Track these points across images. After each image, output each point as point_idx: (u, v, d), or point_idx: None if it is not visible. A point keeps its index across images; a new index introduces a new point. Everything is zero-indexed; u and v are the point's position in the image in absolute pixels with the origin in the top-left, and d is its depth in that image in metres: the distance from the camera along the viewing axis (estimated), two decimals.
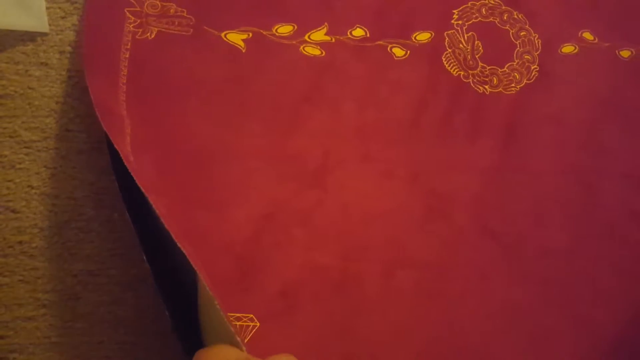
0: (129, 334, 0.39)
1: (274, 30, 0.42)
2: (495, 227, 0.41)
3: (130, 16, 0.41)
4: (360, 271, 0.39)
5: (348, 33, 0.43)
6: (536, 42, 0.46)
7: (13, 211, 0.39)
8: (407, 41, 0.44)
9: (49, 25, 0.41)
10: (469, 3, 0.45)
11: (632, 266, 0.42)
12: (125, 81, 0.40)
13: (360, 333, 0.38)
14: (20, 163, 0.39)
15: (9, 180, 0.39)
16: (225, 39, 0.42)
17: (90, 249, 0.39)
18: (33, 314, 0.38)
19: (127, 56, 0.40)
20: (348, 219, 0.40)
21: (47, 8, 0.41)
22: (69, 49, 0.41)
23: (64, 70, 0.41)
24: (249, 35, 0.42)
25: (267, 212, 0.39)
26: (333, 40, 0.43)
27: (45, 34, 0.41)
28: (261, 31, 0.42)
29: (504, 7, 0.46)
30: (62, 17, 0.42)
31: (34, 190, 0.39)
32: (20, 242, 0.38)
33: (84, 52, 0.39)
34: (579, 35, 0.47)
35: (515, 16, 0.46)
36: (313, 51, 0.42)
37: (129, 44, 0.41)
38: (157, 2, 0.42)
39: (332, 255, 0.39)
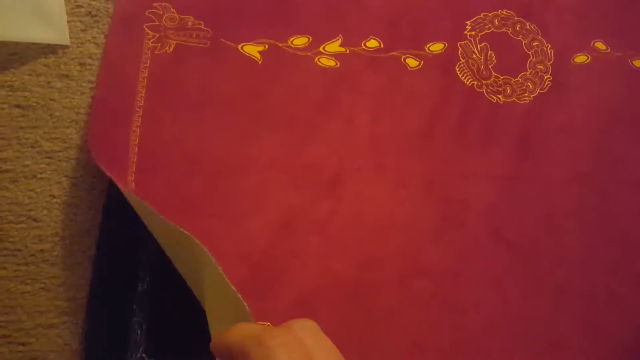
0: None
1: (289, 42, 0.44)
2: (509, 236, 0.42)
3: (149, 32, 0.43)
4: (376, 280, 0.40)
5: (362, 44, 0.44)
6: (549, 52, 0.47)
7: (34, 220, 0.40)
8: (421, 52, 0.45)
9: (70, 38, 0.43)
10: (482, 14, 0.46)
11: None
12: (142, 103, 0.41)
13: (376, 341, 0.39)
14: (41, 173, 0.41)
15: (31, 190, 0.41)
16: (242, 50, 0.43)
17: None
18: (54, 322, 0.39)
19: (146, 75, 0.42)
20: (363, 228, 0.41)
21: (68, 21, 0.43)
22: (89, 61, 0.43)
23: (84, 81, 0.43)
24: (265, 47, 0.43)
25: (282, 221, 0.41)
26: (347, 51, 0.44)
27: (66, 47, 0.43)
28: (277, 43, 0.43)
29: (516, 18, 0.47)
30: (83, 30, 0.43)
31: (55, 200, 0.41)
32: (41, 251, 0.40)
33: (96, 93, 0.41)
34: (592, 45, 0.48)
35: (528, 27, 0.47)
36: (328, 62, 0.44)
37: (148, 61, 0.42)
38: (175, 15, 0.43)
39: (347, 263, 0.40)
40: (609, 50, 0.48)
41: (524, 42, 0.46)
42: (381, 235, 0.41)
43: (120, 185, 0.36)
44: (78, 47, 0.43)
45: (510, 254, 0.41)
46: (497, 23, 0.46)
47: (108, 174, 0.36)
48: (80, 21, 0.44)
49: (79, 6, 0.44)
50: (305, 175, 0.41)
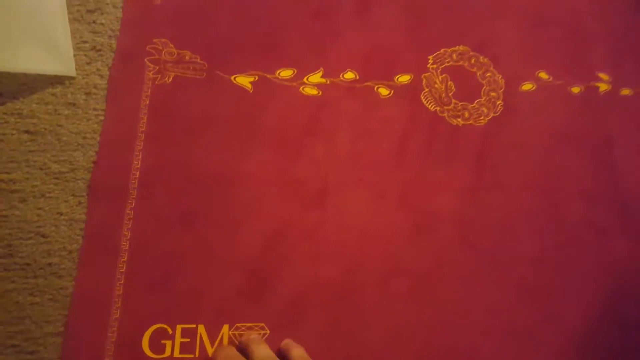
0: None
1: (277, 74, 0.50)
2: (473, 239, 0.48)
3: (149, 64, 0.48)
4: (359, 281, 0.45)
5: (340, 76, 0.51)
6: (500, 81, 0.54)
7: (43, 236, 0.44)
8: (391, 82, 0.52)
9: (76, 70, 0.48)
10: (442, 49, 0.54)
11: (591, 269, 0.49)
12: (144, 128, 0.46)
13: (361, 337, 0.44)
14: (49, 192, 0.45)
15: (39, 208, 0.44)
16: (234, 81, 0.49)
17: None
18: (62, 330, 0.42)
19: (147, 103, 0.47)
20: (347, 235, 0.46)
21: (74, 55, 0.48)
22: (94, 90, 0.48)
23: (90, 109, 0.47)
24: (255, 78, 0.49)
25: (275, 230, 0.46)
26: (328, 82, 0.51)
27: (72, 78, 0.48)
28: (266, 75, 0.50)
29: (471, 53, 0.55)
30: (88, 63, 0.48)
31: (62, 217, 0.44)
32: (49, 264, 0.43)
33: (105, 121, 0.47)
34: (536, 74, 0.56)
35: (481, 60, 0.55)
36: (311, 91, 0.50)
37: (149, 90, 0.47)
38: (174, 50, 0.49)
39: (334, 267, 0.45)
40: (551, 79, 0.56)
41: (478, 73, 0.54)
42: (363, 241, 0.46)
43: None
44: (84, 78, 0.48)
45: (475, 255, 0.48)
46: (455, 57, 0.54)
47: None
48: (85, 55, 0.48)
49: (84, 41, 0.49)
50: (294, 188, 0.47)
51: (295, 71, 0.50)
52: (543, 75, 0.56)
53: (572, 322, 0.47)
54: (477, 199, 0.49)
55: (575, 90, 0.56)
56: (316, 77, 0.51)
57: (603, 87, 0.57)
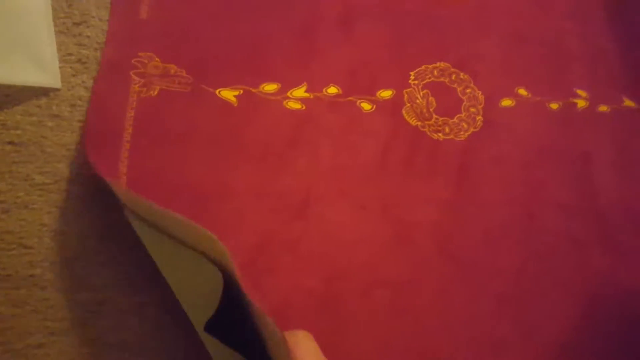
0: (135, 356, 0.44)
1: (261, 88, 0.51)
2: (452, 250, 0.49)
3: (135, 77, 0.49)
4: (342, 292, 0.46)
5: (324, 90, 0.52)
6: (480, 97, 0.56)
7: (25, 247, 0.44)
8: (373, 97, 0.53)
9: (61, 82, 0.48)
10: (423, 66, 0.56)
11: (568, 281, 0.51)
12: (129, 139, 0.47)
13: (343, 347, 0.45)
14: (33, 204, 0.45)
15: (22, 219, 0.45)
16: (219, 95, 0.50)
17: (97, 280, 0.45)
18: (43, 341, 0.43)
19: (132, 115, 0.48)
20: (329, 246, 0.47)
21: (60, 67, 0.49)
22: (79, 102, 0.48)
23: (74, 121, 0.48)
24: (239, 92, 0.50)
25: (258, 242, 0.46)
26: (311, 96, 0.52)
27: (57, 90, 0.48)
28: (250, 89, 0.51)
29: (452, 69, 0.56)
30: (73, 75, 0.49)
31: (45, 228, 0.45)
32: (32, 275, 0.44)
33: (87, 125, 0.47)
34: (515, 91, 0.58)
35: (462, 76, 0.56)
36: (295, 105, 0.51)
37: (134, 103, 0.48)
38: (159, 64, 0.50)
39: (316, 278, 0.46)
40: (530, 95, 0.58)
41: (458, 89, 0.56)
42: (345, 252, 0.47)
43: (115, 186, 0.41)
44: (69, 90, 0.48)
45: (454, 266, 0.49)
46: (436, 73, 0.56)
47: (107, 178, 0.41)
48: (71, 67, 0.49)
49: (70, 54, 0.49)
50: (277, 201, 0.48)
51: (280, 85, 0.52)
52: (522, 91, 0.57)
53: (550, 333, 0.48)
54: (457, 212, 0.51)
55: (554, 106, 0.58)
56: (300, 92, 0.52)
57: (581, 103, 0.58)
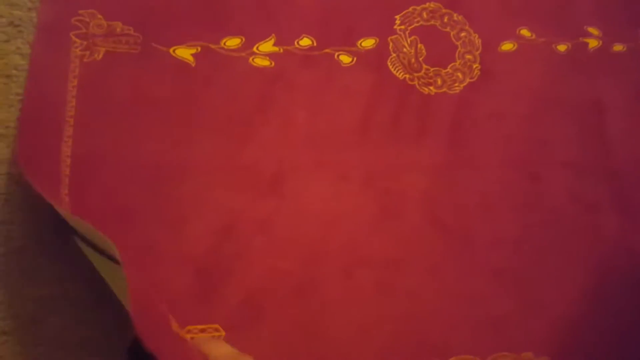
0: (94, 354, 0.40)
1: (222, 44, 0.45)
2: (446, 221, 0.44)
3: (76, 40, 0.43)
4: (321, 274, 0.42)
5: (295, 43, 0.46)
6: (476, 41, 0.49)
7: None
8: (353, 48, 0.47)
9: None
10: (411, 8, 0.49)
11: (577, 249, 0.46)
12: (73, 113, 0.42)
13: (325, 333, 0.41)
14: None
15: None
16: (174, 54, 0.44)
17: (50, 272, 0.41)
18: None
19: (75, 84, 0.42)
20: (306, 224, 0.43)
21: None
22: (15, 72, 0.43)
23: (11, 94, 0.42)
24: (197, 49, 0.44)
25: (225, 223, 0.42)
26: (281, 50, 0.45)
27: None
28: (210, 45, 0.44)
29: (444, 10, 0.49)
30: (6, 41, 0.43)
31: None
32: None
33: (23, 105, 0.41)
34: (517, 32, 0.51)
35: (455, 18, 0.49)
36: (262, 62, 0.45)
37: (77, 70, 0.42)
38: (103, 22, 0.44)
39: (292, 260, 0.42)
40: (533, 36, 0.51)
41: (452, 33, 0.49)
42: (324, 230, 0.43)
43: (53, 202, 0.36)
44: (2, 58, 0.43)
45: (447, 239, 0.44)
46: (425, 16, 0.49)
47: (39, 190, 0.36)
48: (2, 32, 0.43)
49: (0, 16, 0.43)
50: (245, 176, 0.43)
51: (243, 39, 0.45)
52: (525, 32, 0.51)
53: (557, 309, 0.44)
54: (451, 178, 0.45)
55: (561, 48, 0.51)
56: (267, 46, 0.45)
57: (592, 43, 0.52)
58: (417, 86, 0.47)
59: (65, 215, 0.36)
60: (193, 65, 0.44)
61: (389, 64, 0.47)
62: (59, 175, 0.40)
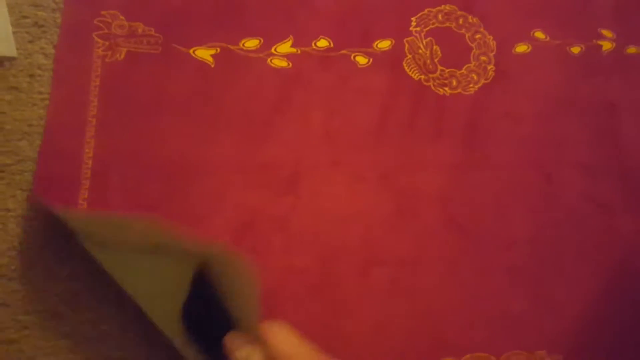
0: (114, 348, 0.41)
1: (241, 45, 0.45)
2: (461, 221, 0.45)
3: (98, 40, 0.44)
4: (337, 271, 0.42)
5: (313, 44, 0.46)
6: (491, 43, 0.50)
7: None
8: (369, 49, 0.47)
9: (17, 49, 0.43)
10: (426, 10, 0.49)
11: (590, 249, 0.46)
12: (95, 113, 0.42)
13: (340, 331, 0.42)
14: None
15: None
16: (194, 55, 0.44)
17: (71, 268, 0.41)
18: (15, 337, 0.40)
19: (97, 84, 0.43)
20: (322, 223, 0.43)
21: (14, 33, 0.44)
22: (39, 72, 0.43)
23: (35, 93, 0.43)
24: (217, 50, 0.45)
25: (243, 220, 0.42)
26: (299, 51, 0.46)
27: (13, 59, 0.43)
28: (229, 46, 0.45)
29: (459, 12, 0.50)
30: (30, 41, 0.44)
31: (10, 213, 0.41)
32: None
33: (49, 106, 0.42)
34: (531, 34, 0.51)
35: (470, 20, 0.50)
36: (280, 63, 0.46)
37: (99, 70, 0.43)
38: (125, 23, 0.44)
39: (309, 257, 0.42)
40: (548, 38, 0.51)
41: (467, 35, 0.50)
42: (340, 229, 0.43)
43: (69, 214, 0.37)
44: (26, 58, 0.44)
45: (462, 238, 0.44)
46: (440, 18, 0.49)
47: (58, 210, 0.37)
48: (27, 32, 0.44)
49: (25, 17, 0.44)
50: (263, 174, 0.43)
51: (262, 41, 0.46)
52: (539, 34, 0.51)
53: (571, 309, 0.45)
54: (465, 177, 0.46)
55: (575, 50, 0.52)
56: (285, 47, 0.46)
57: (606, 45, 0.52)
58: (432, 87, 0.48)
59: (75, 225, 0.37)
60: (212, 65, 0.45)
61: (404, 65, 0.48)
62: (79, 179, 0.41)
